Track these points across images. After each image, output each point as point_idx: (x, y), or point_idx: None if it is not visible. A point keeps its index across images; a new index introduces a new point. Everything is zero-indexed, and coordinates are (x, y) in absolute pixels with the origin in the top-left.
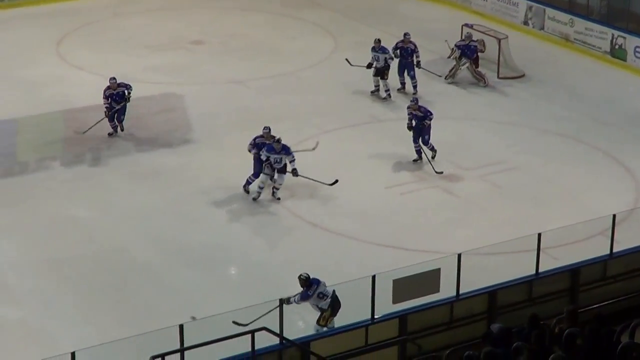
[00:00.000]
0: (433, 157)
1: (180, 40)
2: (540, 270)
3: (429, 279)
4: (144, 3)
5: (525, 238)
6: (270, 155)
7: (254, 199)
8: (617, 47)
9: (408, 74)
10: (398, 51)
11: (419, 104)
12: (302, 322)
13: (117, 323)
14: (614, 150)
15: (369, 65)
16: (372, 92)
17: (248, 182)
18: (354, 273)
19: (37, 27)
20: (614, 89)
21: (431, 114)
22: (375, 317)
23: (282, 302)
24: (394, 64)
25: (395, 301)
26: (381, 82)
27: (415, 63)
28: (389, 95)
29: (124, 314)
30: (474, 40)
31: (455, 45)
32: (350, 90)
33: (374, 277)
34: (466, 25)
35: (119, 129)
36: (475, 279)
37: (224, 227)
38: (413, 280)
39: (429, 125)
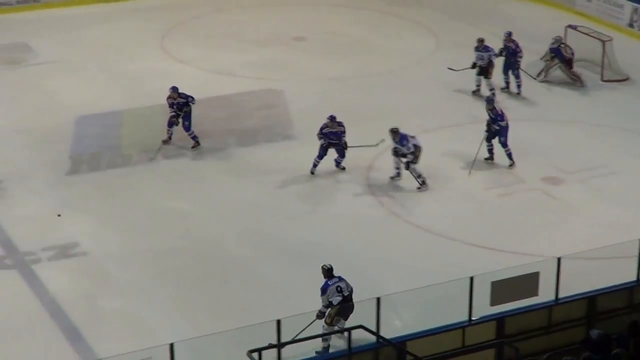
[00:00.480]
0: (490, 159)
1: (282, 36)
2: None
3: (528, 282)
4: None
5: (626, 243)
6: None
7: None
8: None
9: (512, 73)
10: (504, 50)
11: (495, 105)
12: (399, 321)
13: (214, 316)
14: None
15: (474, 65)
16: (473, 91)
17: (314, 165)
18: (452, 274)
19: (142, 22)
20: None
21: (501, 118)
22: (473, 318)
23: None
24: (499, 63)
25: (493, 303)
26: (484, 81)
27: (517, 62)
28: (493, 93)
29: (220, 307)
30: (563, 44)
31: (549, 49)
32: (451, 89)
33: (472, 278)
34: (570, 26)
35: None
36: (575, 284)
37: (321, 224)
38: (511, 282)
39: (505, 128)
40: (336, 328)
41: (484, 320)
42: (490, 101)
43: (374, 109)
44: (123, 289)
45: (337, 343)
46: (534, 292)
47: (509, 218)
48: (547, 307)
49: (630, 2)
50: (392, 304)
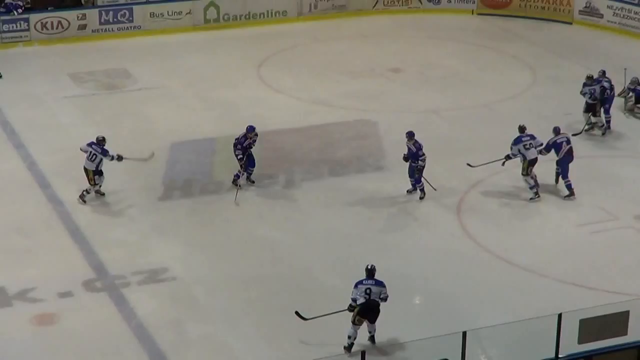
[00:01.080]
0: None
1: (378, 67)
2: None
3: (617, 321)
4: (344, 30)
5: None
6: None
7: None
8: None
9: (604, 109)
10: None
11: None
12: (484, 356)
13: (301, 346)
14: None
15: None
16: (585, 130)
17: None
18: (541, 309)
19: (239, 50)
20: None
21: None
22: (560, 355)
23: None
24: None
25: (581, 341)
26: (592, 119)
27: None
28: (605, 129)
29: (307, 337)
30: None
31: (628, 88)
32: (548, 124)
33: (560, 315)
34: None
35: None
36: None
37: (411, 256)
38: (600, 321)
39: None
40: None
41: (572, 358)
42: (411, 136)
43: (469, 142)
44: (210, 315)
45: None
46: (623, 331)
47: (600, 255)
48: (636, 346)
49: None
50: (479, 338)
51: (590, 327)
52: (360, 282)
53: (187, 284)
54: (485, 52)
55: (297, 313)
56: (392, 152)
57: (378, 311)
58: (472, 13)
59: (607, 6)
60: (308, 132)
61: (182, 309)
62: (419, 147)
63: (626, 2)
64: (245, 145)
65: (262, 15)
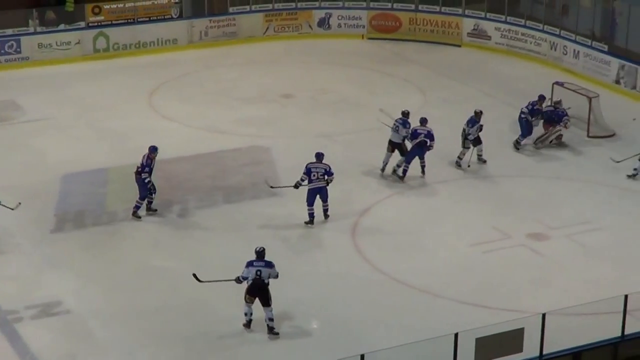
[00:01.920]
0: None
1: (270, 93)
2: (626, 332)
3: (512, 338)
4: (235, 56)
5: (611, 299)
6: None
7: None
8: None
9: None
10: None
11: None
12: None
13: None
14: None
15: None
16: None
17: None
18: (437, 329)
19: (130, 79)
20: None
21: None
22: None
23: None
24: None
25: None
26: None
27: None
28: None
29: None
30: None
31: (542, 112)
32: (438, 146)
33: (456, 335)
34: (557, 83)
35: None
36: (559, 340)
37: (307, 280)
38: (496, 339)
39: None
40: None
41: None
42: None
43: (362, 165)
44: (106, 348)
45: None
46: (519, 349)
47: (494, 274)
48: None
49: (617, 59)
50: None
51: (487, 346)
52: (251, 263)
53: (81, 317)
54: (376, 75)
55: (194, 275)
56: (287, 177)
57: (266, 291)
58: (363, 38)
59: (495, 28)
60: (201, 160)
61: (77, 343)
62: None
63: (513, 24)
64: (152, 167)
65: (152, 44)
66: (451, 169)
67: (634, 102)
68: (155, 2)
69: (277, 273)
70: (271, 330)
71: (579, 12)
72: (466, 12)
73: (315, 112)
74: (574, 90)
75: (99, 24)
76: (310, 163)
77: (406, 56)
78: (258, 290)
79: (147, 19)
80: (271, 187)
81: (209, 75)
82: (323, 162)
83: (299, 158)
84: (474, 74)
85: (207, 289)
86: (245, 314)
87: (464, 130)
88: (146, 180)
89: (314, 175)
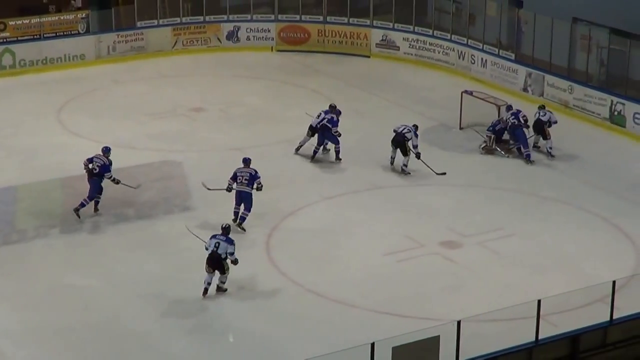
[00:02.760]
0: None
1: (180, 107)
2: (540, 337)
3: (428, 346)
4: (144, 71)
5: (524, 305)
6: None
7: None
8: (616, 113)
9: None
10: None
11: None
12: None
13: None
14: (614, 217)
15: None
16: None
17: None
18: (354, 340)
19: (38, 95)
20: (613, 155)
21: None
22: None
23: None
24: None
25: None
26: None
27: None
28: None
29: None
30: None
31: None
32: (350, 156)
33: (372, 344)
34: (466, 92)
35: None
36: (475, 346)
37: (224, 295)
38: (412, 347)
39: None
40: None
41: None
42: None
43: (274, 178)
44: None
45: None
46: (435, 356)
47: (409, 283)
48: None
49: (524, 67)
50: None
51: (403, 354)
52: (214, 236)
53: None
54: (286, 88)
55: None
56: (198, 192)
57: (221, 264)
58: (272, 50)
59: (403, 38)
60: None
61: None
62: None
63: (421, 34)
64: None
65: (59, 60)
66: (365, 180)
67: None
68: (62, 18)
69: (234, 253)
70: (219, 289)
71: (486, 21)
72: (374, 23)
73: (226, 125)
74: (482, 99)
75: (5, 40)
76: (238, 168)
77: (316, 68)
78: (214, 263)
79: (54, 34)
80: (208, 189)
81: (118, 90)
82: (250, 166)
83: (211, 172)
84: (384, 84)
85: (121, 306)
86: (205, 282)
87: (406, 140)
88: (111, 179)
89: (239, 180)
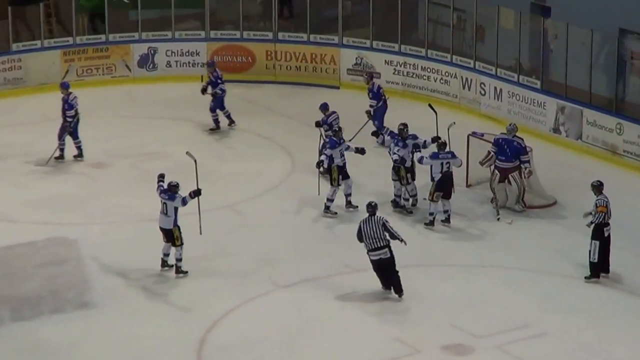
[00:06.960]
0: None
1: (75, 163)
2: None
3: None
4: (24, 112)
5: None
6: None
7: None
8: None
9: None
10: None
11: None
12: None
13: None
14: None
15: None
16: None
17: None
18: None
19: None
20: None
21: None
22: None
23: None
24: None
25: None
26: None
27: None
28: None
29: None
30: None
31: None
32: (313, 229)
33: None
34: (474, 134)
35: None
36: None
37: None
38: None
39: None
40: None
41: None
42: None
43: (208, 261)
44: None
45: None
46: None
47: None
48: None
49: (553, 99)
50: None
51: None
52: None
53: None
54: (223, 133)
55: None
56: (101, 282)
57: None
58: (202, 80)
59: (385, 61)
60: None
61: None
62: None
63: (410, 55)
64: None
65: None
66: (336, 259)
67: (580, 156)
68: None
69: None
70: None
71: (500, 35)
72: (345, 40)
73: (138, 185)
74: None
75: None
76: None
77: (264, 104)
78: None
79: None
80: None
81: None
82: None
83: (118, 252)
84: (358, 126)
85: None
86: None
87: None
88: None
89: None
